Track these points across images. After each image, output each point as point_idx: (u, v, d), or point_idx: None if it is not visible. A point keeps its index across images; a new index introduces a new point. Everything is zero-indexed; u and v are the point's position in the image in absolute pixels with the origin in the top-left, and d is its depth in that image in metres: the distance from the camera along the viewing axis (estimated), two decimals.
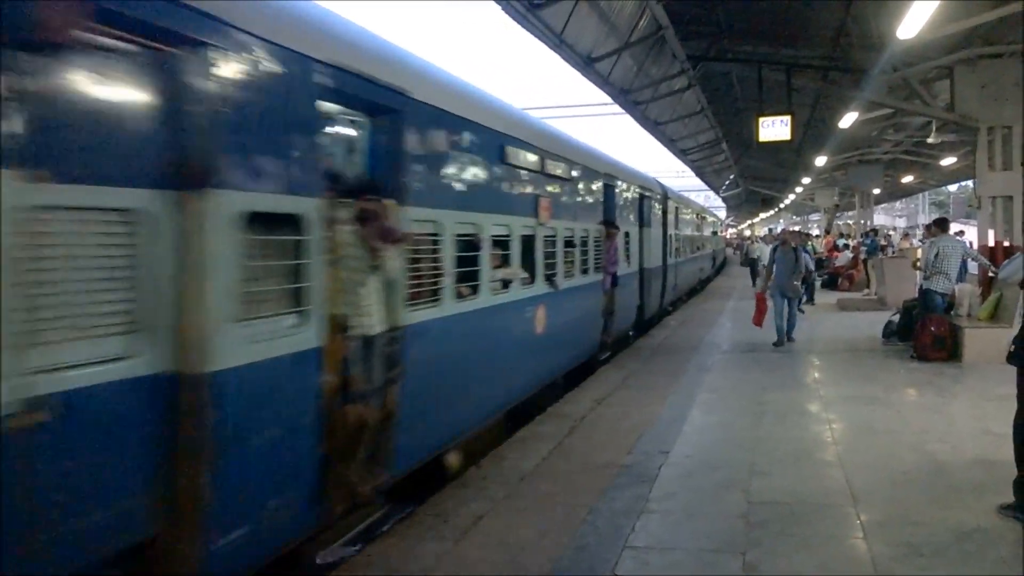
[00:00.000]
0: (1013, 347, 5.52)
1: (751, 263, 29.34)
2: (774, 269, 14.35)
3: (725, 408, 9.33)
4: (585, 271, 11.13)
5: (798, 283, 14.40)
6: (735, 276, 37.47)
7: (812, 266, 21.34)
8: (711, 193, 63.92)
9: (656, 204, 17.60)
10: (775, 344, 13.91)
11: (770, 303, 14.21)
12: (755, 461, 7.03)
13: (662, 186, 19.45)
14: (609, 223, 12.41)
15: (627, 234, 14.03)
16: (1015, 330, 5.70)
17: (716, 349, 14.15)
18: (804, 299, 16.88)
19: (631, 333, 15.52)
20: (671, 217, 20.02)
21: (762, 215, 75.75)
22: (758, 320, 14.28)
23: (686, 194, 31.73)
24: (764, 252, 21.83)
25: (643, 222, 15.50)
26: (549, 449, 7.64)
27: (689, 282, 25.03)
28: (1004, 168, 13.30)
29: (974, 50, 13.30)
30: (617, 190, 13.27)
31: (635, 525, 5.56)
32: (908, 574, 4.66)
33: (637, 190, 15.26)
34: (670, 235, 19.65)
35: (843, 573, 4.72)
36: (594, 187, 11.88)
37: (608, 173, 12.79)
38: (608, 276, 12.44)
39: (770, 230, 62.76)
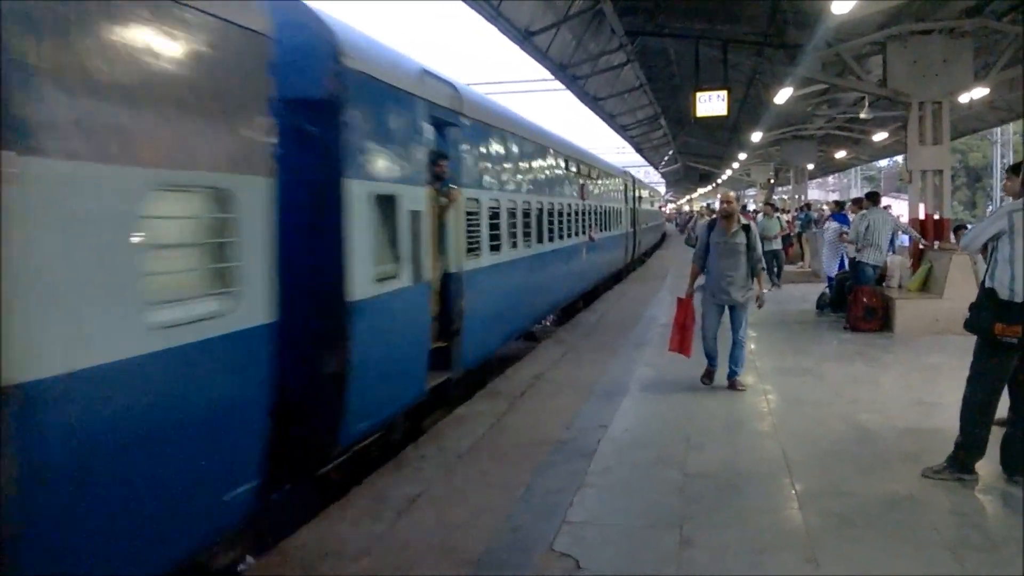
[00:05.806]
0: (987, 312, 5.53)
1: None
2: (707, 260, 8.77)
3: (663, 382, 9.32)
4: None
5: (752, 282, 8.62)
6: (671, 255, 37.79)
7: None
8: (651, 168, 64.32)
9: None
10: (703, 378, 8.93)
11: (699, 313, 8.95)
12: (691, 434, 7.05)
13: None
14: None
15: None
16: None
17: (654, 323, 14.18)
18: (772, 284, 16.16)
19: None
20: None
21: (700, 190, 76.53)
22: (680, 344, 8.90)
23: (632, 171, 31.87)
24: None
25: None
26: (488, 426, 7.56)
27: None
28: (934, 143, 13.52)
29: (905, 26, 13.45)
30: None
31: (573, 500, 5.52)
32: (842, 545, 4.70)
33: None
34: None
35: (778, 544, 4.74)
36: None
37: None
38: None
39: (708, 205, 63.07)
